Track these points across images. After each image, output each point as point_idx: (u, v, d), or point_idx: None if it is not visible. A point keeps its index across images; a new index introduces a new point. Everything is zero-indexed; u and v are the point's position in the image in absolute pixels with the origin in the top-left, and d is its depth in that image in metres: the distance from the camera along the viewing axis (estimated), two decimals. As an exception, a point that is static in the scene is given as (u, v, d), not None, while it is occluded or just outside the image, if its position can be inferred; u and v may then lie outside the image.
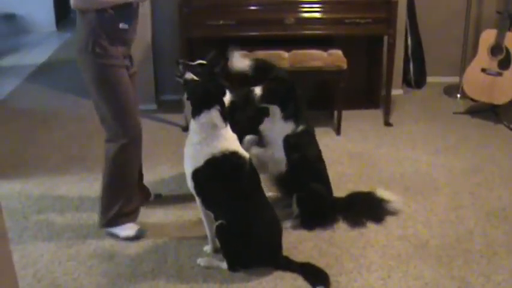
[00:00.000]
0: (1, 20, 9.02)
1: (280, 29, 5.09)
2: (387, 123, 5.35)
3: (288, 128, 3.66)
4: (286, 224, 3.64)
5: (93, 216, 3.72)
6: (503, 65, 5.33)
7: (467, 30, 5.99)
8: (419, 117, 5.53)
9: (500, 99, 5.37)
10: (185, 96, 3.44)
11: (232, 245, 3.24)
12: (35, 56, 7.96)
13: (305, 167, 3.71)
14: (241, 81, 3.82)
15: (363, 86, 5.93)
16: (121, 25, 3.35)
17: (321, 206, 3.70)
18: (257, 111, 3.69)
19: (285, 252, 3.34)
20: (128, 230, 3.58)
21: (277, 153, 3.68)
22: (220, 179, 3.21)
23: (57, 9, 9.39)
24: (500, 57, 5.33)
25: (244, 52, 4.03)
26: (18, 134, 5.27)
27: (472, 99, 5.65)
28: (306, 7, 5.11)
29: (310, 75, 5.11)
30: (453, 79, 6.19)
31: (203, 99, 3.17)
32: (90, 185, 4.22)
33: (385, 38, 5.34)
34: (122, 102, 3.41)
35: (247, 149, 3.50)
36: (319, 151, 3.83)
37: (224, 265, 3.27)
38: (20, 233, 3.66)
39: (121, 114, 3.42)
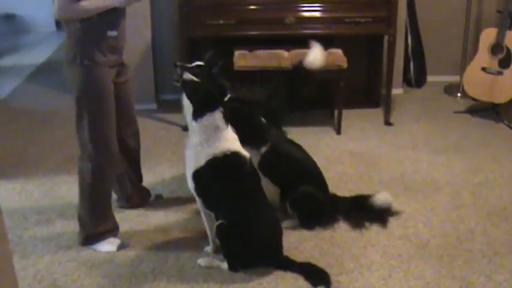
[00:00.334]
0: (1, 20, 9.01)
1: (281, 28, 5.09)
2: (387, 123, 5.34)
3: (251, 153, 3.46)
4: (286, 224, 3.63)
5: (94, 217, 3.72)
6: (503, 64, 5.32)
7: (468, 29, 5.98)
8: (420, 117, 5.52)
9: (500, 98, 5.37)
10: (184, 97, 3.33)
11: (232, 245, 3.23)
12: (35, 56, 7.95)
13: (292, 178, 3.71)
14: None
15: (363, 85, 5.92)
16: (109, 32, 3.25)
17: (315, 205, 3.70)
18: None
19: (285, 252, 3.34)
20: (107, 245, 3.50)
21: (264, 183, 3.47)
22: (221, 179, 3.21)
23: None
24: (501, 56, 5.32)
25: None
26: (18, 134, 5.26)
27: (472, 98, 5.64)
28: (306, 6, 5.10)
29: (310, 74, 5.09)
30: (453, 78, 6.18)
31: (206, 102, 3.15)
32: (90, 185, 4.22)
33: (385, 37, 5.33)
34: (103, 124, 3.32)
35: None
36: (304, 155, 3.82)
37: (225, 265, 3.26)
38: (20, 234, 3.66)
39: (99, 137, 3.33)
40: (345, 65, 4.98)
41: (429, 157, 4.67)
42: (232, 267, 3.25)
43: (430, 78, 6.33)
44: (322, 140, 4.98)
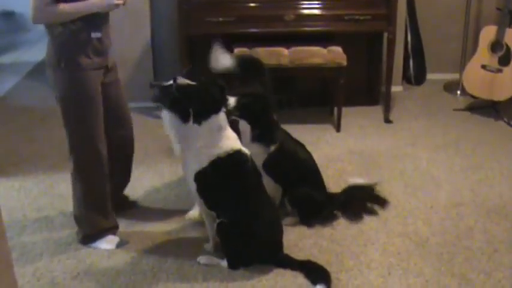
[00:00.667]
0: (0, 18, 9.00)
1: (280, 25, 5.08)
2: (387, 120, 5.34)
3: (259, 151, 3.55)
4: (286, 221, 3.63)
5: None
6: (503, 61, 5.31)
7: (467, 27, 5.97)
8: (419, 114, 5.51)
9: (500, 96, 5.36)
10: (167, 119, 3.23)
11: (233, 243, 3.23)
12: (34, 54, 7.93)
13: (295, 177, 3.71)
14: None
15: (363, 83, 5.91)
16: (93, 34, 3.18)
17: (314, 203, 3.70)
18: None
19: (285, 250, 3.33)
20: (106, 243, 3.49)
21: (264, 179, 3.46)
22: (224, 179, 3.20)
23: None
24: (500, 53, 5.32)
25: (225, 49, 3.90)
26: (16, 132, 5.26)
27: (472, 96, 5.64)
28: (306, 4, 5.10)
29: (310, 72, 5.10)
30: (453, 76, 6.17)
31: (210, 104, 3.14)
32: (89, 183, 4.21)
33: (385, 34, 5.33)
34: (89, 127, 3.28)
35: None
36: (307, 155, 3.82)
37: (224, 263, 3.26)
38: (19, 231, 3.66)
39: (85, 140, 3.30)
40: (344, 62, 4.98)
41: (429, 154, 4.67)
42: (232, 265, 3.25)
43: (429, 75, 6.33)
44: (322, 137, 4.98)
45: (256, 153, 3.47)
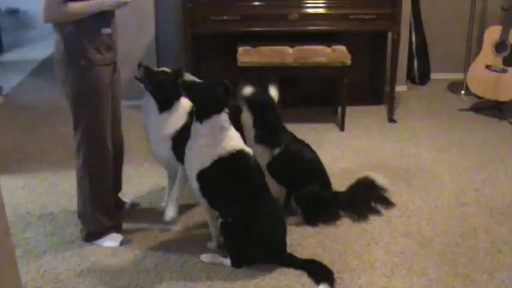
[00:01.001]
0: (5, 15, 9.01)
1: (285, 24, 5.08)
2: (391, 120, 5.34)
3: (263, 153, 3.55)
4: (290, 221, 3.63)
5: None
6: (507, 61, 5.31)
7: (472, 27, 5.96)
8: (424, 114, 5.51)
9: (504, 96, 5.35)
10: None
11: (237, 242, 3.23)
12: (39, 51, 7.95)
13: (301, 179, 3.70)
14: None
15: (367, 82, 5.92)
16: (103, 30, 3.21)
17: (320, 202, 3.70)
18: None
19: (289, 249, 3.33)
20: (110, 240, 3.49)
21: (269, 183, 3.45)
22: (227, 178, 3.21)
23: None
24: (505, 53, 5.31)
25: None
26: (21, 129, 5.26)
27: (476, 96, 5.63)
28: (311, 3, 5.10)
29: (314, 71, 5.10)
30: (457, 76, 6.16)
31: (213, 103, 3.15)
32: (93, 181, 4.21)
33: (389, 34, 5.32)
34: (100, 125, 3.30)
35: None
36: (313, 155, 3.81)
37: (227, 261, 3.26)
38: (23, 228, 3.66)
39: (94, 137, 3.31)
40: (348, 61, 4.98)
41: (432, 154, 4.67)
42: (235, 264, 3.25)
43: (434, 75, 6.32)
44: (326, 136, 4.98)
45: (260, 154, 3.48)
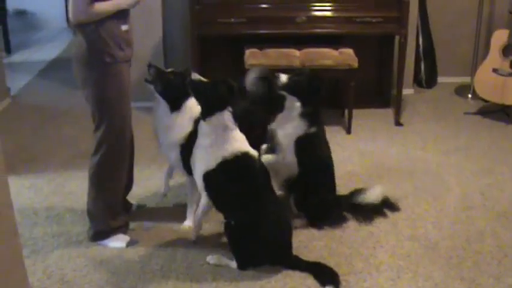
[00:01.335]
0: (12, 16, 9.05)
1: (292, 27, 5.09)
2: (398, 123, 5.34)
3: (300, 127, 3.60)
4: (295, 223, 3.63)
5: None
6: (515, 65, 5.31)
7: (479, 30, 5.96)
8: (430, 117, 5.51)
9: (511, 100, 5.34)
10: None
11: (241, 244, 3.24)
12: (46, 52, 7.99)
13: (315, 170, 3.70)
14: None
15: (374, 85, 5.91)
16: (123, 27, 3.28)
17: (322, 207, 3.70)
18: (274, 97, 3.67)
19: (295, 251, 3.34)
20: (117, 241, 3.51)
21: (288, 156, 3.62)
22: (232, 181, 3.22)
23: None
24: (512, 57, 5.31)
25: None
26: (28, 130, 5.29)
27: (483, 100, 5.62)
28: (318, 5, 5.11)
29: (321, 73, 5.09)
30: (464, 79, 6.16)
31: (216, 101, 3.18)
32: (100, 182, 4.22)
33: (397, 37, 5.32)
34: (122, 122, 3.35)
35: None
36: (330, 152, 3.81)
37: (233, 263, 3.26)
38: (30, 229, 3.67)
39: (117, 134, 3.35)
40: (355, 64, 4.98)
41: (439, 158, 4.66)
42: (241, 266, 3.25)
43: (440, 79, 6.32)
44: (332, 139, 4.91)
45: (296, 127, 3.58)
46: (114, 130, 3.34)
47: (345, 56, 5.02)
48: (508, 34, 5.32)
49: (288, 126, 3.61)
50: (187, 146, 3.42)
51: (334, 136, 5.02)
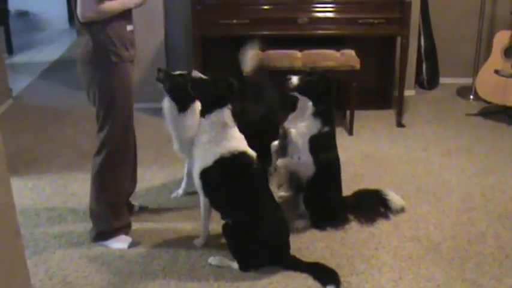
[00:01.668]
0: (14, 17, 9.06)
1: (294, 28, 5.09)
2: (400, 124, 5.34)
3: (314, 126, 3.58)
4: (298, 225, 3.64)
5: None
6: (516, 66, 5.31)
7: (481, 31, 5.96)
8: (432, 119, 5.51)
9: (513, 101, 5.35)
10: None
11: (238, 244, 3.24)
12: (48, 53, 8.00)
13: (329, 169, 3.70)
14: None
15: (376, 87, 5.92)
16: (128, 27, 3.30)
17: (330, 207, 3.70)
18: (286, 99, 3.71)
19: (296, 253, 3.34)
20: (119, 242, 3.51)
21: (304, 156, 3.60)
22: (228, 179, 3.23)
23: (70, 7, 9.43)
24: (514, 58, 5.31)
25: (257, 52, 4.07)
26: (30, 131, 5.29)
27: (485, 101, 5.62)
28: (319, 7, 5.11)
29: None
30: (466, 80, 6.16)
31: (215, 98, 3.20)
32: (102, 183, 4.23)
33: (398, 38, 5.32)
34: (127, 121, 3.37)
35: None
36: (338, 155, 3.81)
37: (235, 264, 3.27)
38: (32, 230, 3.68)
39: (121, 134, 3.36)
40: (357, 65, 4.98)
41: (441, 159, 4.66)
42: (243, 267, 3.25)
43: (442, 80, 6.32)
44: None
45: (310, 126, 3.58)
46: (118, 130, 3.35)
47: (347, 57, 5.02)
48: (510, 35, 5.32)
49: (302, 126, 3.60)
50: None
51: (336, 137, 5.03)
